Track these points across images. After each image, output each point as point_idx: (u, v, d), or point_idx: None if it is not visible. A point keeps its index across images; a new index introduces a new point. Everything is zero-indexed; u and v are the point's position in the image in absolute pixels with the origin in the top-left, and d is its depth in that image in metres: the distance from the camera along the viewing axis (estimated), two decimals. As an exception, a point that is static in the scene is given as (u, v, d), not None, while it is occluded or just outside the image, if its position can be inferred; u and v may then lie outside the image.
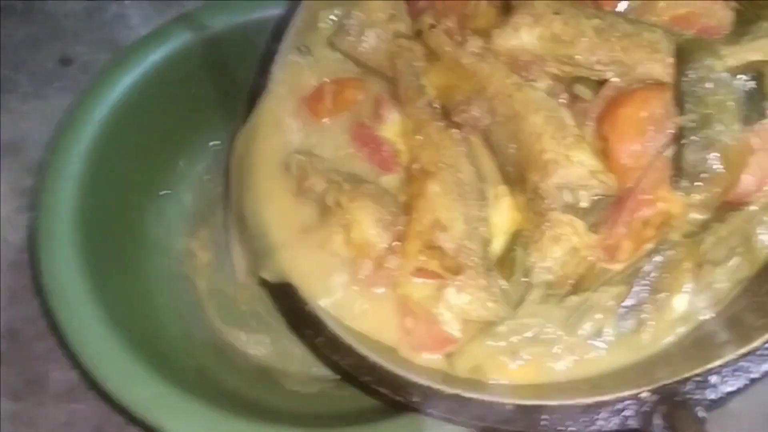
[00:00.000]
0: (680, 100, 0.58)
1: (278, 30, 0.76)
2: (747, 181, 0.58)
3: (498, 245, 0.64)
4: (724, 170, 0.55)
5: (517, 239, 0.63)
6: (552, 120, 0.62)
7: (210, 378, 0.80)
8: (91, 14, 1.11)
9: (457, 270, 0.61)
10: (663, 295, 0.58)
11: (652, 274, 0.58)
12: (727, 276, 0.59)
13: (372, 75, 0.74)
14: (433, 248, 0.62)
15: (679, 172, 0.56)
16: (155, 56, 0.88)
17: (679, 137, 0.57)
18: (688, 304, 0.59)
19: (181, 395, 0.69)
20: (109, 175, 0.83)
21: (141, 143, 0.87)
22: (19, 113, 1.02)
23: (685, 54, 0.59)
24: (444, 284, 0.61)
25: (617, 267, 0.60)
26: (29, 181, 0.96)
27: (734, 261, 0.58)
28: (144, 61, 0.88)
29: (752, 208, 0.59)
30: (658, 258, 0.58)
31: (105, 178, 0.83)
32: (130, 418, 0.72)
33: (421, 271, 0.63)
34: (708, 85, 0.57)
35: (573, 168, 0.59)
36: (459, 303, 0.60)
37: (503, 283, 0.62)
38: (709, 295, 0.59)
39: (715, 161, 0.55)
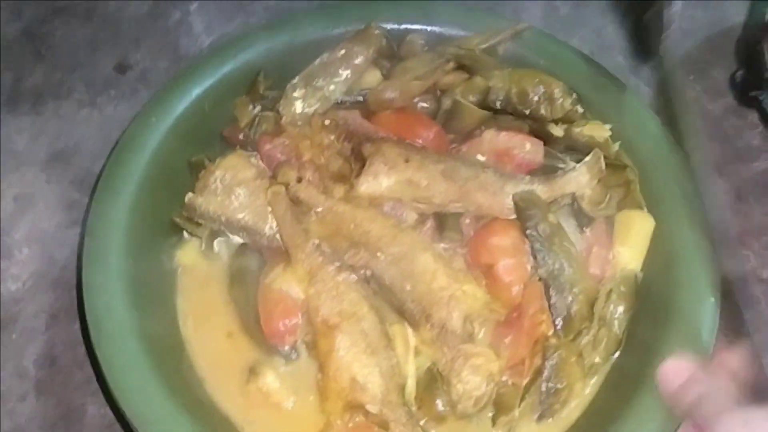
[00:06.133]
0: (534, 252, 0.70)
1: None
2: (594, 271, 0.72)
3: (411, 384, 0.66)
4: (580, 307, 0.68)
5: (435, 375, 0.66)
6: (440, 258, 0.69)
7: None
8: (154, 19, 1.03)
9: (384, 425, 0.63)
10: (564, 387, 0.67)
11: (551, 376, 0.66)
12: (602, 354, 0.69)
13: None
14: (355, 407, 0.63)
15: (555, 314, 0.68)
16: (225, 68, 0.81)
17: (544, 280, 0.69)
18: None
19: None
20: (164, 197, 0.74)
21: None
22: (71, 121, 0.94)
23: (521, 212, 0.72)
24: None
25: (525, 381, 0.66)
26: (78, 195, 0.88)
27: (604, 343, 0.69)
28: (213, 74, 0.80)
29: (601, 294, 0.71)
30: (551, 362, 0.66)
31: (160, 200, 0.74)
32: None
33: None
34: (550, 240, 0.69)
35: (470, 301, 0.66)
36: None
37: (428, 425, 0.65)
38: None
39: (572, 300, 0.68)
